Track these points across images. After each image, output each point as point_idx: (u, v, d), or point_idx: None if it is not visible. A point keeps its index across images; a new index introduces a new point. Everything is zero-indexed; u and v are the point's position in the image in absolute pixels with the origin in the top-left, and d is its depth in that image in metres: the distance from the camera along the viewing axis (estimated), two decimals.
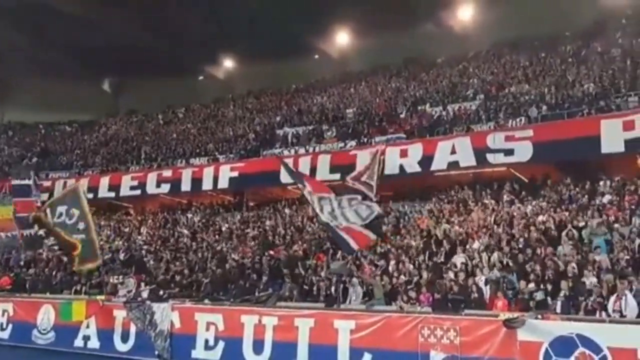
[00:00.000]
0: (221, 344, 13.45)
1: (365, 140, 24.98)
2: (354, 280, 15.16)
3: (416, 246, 17.28)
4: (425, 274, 15.29)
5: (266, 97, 36.97)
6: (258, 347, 12.97)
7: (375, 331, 11.81)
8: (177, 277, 18.60)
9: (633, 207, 15.84)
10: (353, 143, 25.01)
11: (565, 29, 28.04)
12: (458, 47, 30.82)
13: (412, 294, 14.32)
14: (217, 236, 23.01)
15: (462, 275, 14.70)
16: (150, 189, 27.88)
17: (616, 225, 15.10)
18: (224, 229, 23.85)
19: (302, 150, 26.28)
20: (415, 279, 15.22)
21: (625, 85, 20.88)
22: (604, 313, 11.61)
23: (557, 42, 27.90)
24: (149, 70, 37.76)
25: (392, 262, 16.38)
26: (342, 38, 33.76)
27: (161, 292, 16.45)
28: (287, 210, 24.15)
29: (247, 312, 13.68)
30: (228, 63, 39.50)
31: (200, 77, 42.54)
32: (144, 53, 34.72)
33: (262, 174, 24.94)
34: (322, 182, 15.82)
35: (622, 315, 11.20)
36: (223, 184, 26.22)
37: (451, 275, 14.95)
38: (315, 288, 15.84)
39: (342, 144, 25.44)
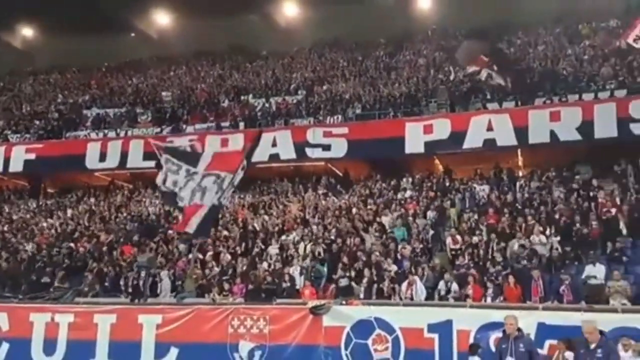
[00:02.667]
0: (5, 346, 12.06)
1: (184, 127, 24.12)
2: (163, 273, 14.54)
3: (233, 237, 17.16)
4: (240, 265, 15.29)
5: (73, 73, 33.54)
6: (49, 347, 11.83)
7: (184, 325, 11.45)
8: None
9: (429, 202, 17.57)
10: (170, 129, 23.97)
11: (380, 35, 30.22)
12: (282, 41, 31.25)
13: (226, 286, 14.21)
14: (6, 226, 20.32)
15: (276, 266, 14.99)
16: None
17: (414, 218, 16.58)
18: (15, 217, 21.15)
19: (112, 134, 24.42)
20: (230, 270, 15.14)
21: (427, 93, 23.14)
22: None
23: (373, 47, 29.91)
24: None
25: (209, 254, 16.06)
26: (162, 18, 31.99)
27: None
28: (92, 199, 22.24)
29: (37, 309, 12.45)
30: (27, 31, 34.82)
31: None
32: None
33: (65, 158, 22.67)
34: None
35: (411, 299, 12.32)
36: (16, 167, 23.25)
37: (265, 265, 15.16)
38: (122, 282, 14.87)
39: (157, 129, 24.21)
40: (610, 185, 16.44)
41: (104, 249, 17.18)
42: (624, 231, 14.14)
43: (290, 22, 31.17)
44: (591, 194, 15.86)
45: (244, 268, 15.19)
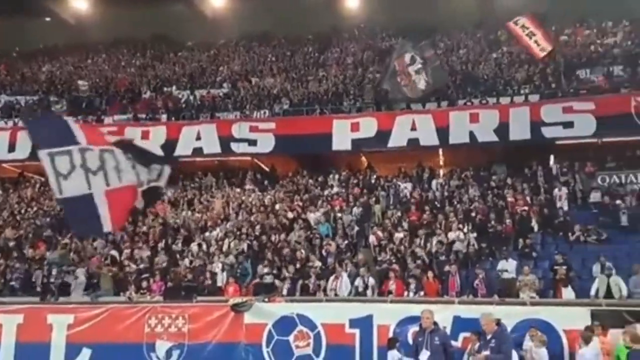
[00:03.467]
0: None
1: (102, 117, 23.05)
2: (78, 270, 13.83)
3: (153, 233, 16.61)
4: (160, 262, 14.83)
5: None
6: None
7: (97, 324, 11.00)
8: None
9: (354, 198, 17.79)
10: (88, 119, 22.82)
11: (308, 31, 30.19)
12: (208, 33, 30.44)
13: (144, 283, 13.73)
14: None
15: (197, 263, 14.66)
16: None
17: (340, 215, 16.75)
18: None
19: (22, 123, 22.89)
20: (149, 267, 14.64)
21: (354, 91, 23.41)
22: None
23: (301, 43, 29.92)
24: None
25: (126, 251, 15.45)
26: (80, 3, 30.27)
27: None
28: None
29: None
30: None
31: None
32: None
33: None
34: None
35: (336, 294, 12.44)
36: None
37: (186, 262, 14.78)
38: (31, 281, 14.02)
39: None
40: (523, 184, 17.35)
41: (11, 244, 16.10)
42: (535, 228, 15.02)
43: (217, 14, 30.47)
44: (506, 192, 16.67)
45: (164, 265, 14.74)
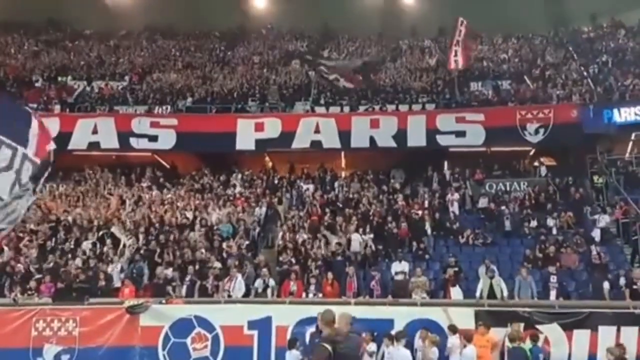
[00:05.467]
0: None
1: None
2: None
3: (42, 231, 15.65)
4: (48, 262, 14.02)
5: None
6: None
7: None
8: None
9: (257, 199, 17.84)
10: None
11: (214, 27, 29.79)
12: (109, 22, 29.10)
13: (32, 284, 12.93)
14: None
15: (91, 263, 14.03)
16: None
17: (242, 215, 16.71)
18: None
19: None
20: (37, 267, 13.79)
21: (259, 91, 23.44)
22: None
23: (207, 39, 29.43)
24: None
25: (7, 250, 14.42)
26: None
27: None
28: None
29: None
30: None
31: None
32: None
33: None
34: None
35: (229, 296, 12.43)
36: None
37: (78, 262, 14.09)
38: None
39: None
40: (418, 189, 18.35)
41: None
42: (429, 231, 15.89)
43: (120, 3, 29.17)
44: (402, 196, 17.47)
45: (53, 265, 13.95)
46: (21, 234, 15.30)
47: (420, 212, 16.41)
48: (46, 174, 9.11)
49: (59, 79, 24.18)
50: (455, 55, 21.34)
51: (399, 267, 13.46)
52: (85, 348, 10.31)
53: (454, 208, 17.12)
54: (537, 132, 18.79)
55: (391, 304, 10.88)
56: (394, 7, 28.65)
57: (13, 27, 29.07)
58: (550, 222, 15.83)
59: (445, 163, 19.99)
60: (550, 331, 9.91)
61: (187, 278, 13.45)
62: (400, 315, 9.86)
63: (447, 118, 19.35)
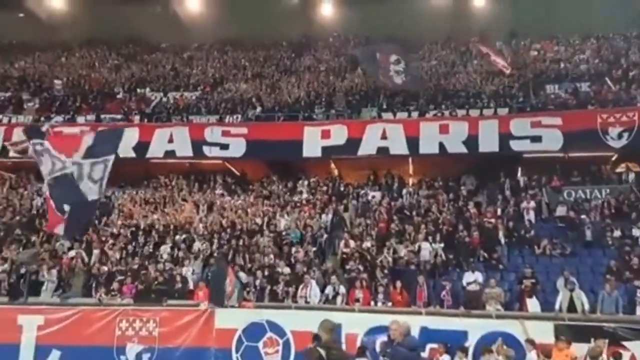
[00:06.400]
0: None
1: (75, 116, 22.77)
2: (49, 271, 13.65)
3: (124, 235, 16.49)
4: (130, 265, 14.74)
5: None
6: None
7: (67, 326, 11.09)
8: None
9: (324, 205, 17.96)
10: (59, 118, 22.52)
11: (281, 37, 30.33)
12: (182, 36, 30.36)
13: (115, 285, 13.64)
14: None
15: (168, 266, 14.61)
16: None
17: (309, 221, 16.85)
18: None
19: None
20: (120, 269, 14.54)
21: (326, 98, 23.67)
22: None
23: (274, 49, 30.05)
24: None
25: (95, 252, 15.29)
26: (54, 1, 29.80)
27: None
28: None
29: None
30: None
31: None
32: None
33: None
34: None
35: (306, 302, 12.57)
36: None
37: (158, 265, 14.71)
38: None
39: (44, 118, 22.66)
40: (491, 196, 17.80)
41: None
42: (502, 240, 15.32)
43: (192, 17, 30.34)
44: (473, 204, 17.02)
45: (134, 267, 14.65)
46: (105, 238, 16.18)
47: (493, 220, 15.89)
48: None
49: (138, 90, 25.45)
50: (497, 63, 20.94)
51: (472, 277, 13.02)
52: (164, 348, 10.77)
53: (530, 216, 16.44)
54: (620, 136, 17.81)
55: (464, 316, 10.62)
56: (464, 9, 28.06)
57: (97, 43, 30.98)
58: (635, 232, 14.85)
59: (519, 169, 19.32)
60: (637, 348, 9.34)
61: (257, 282, 13.76)
62: (474, 327, 9.62)
63: (521, 122, 18.70)
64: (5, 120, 22.57)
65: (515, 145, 18.50)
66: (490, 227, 15.67)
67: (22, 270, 13.61)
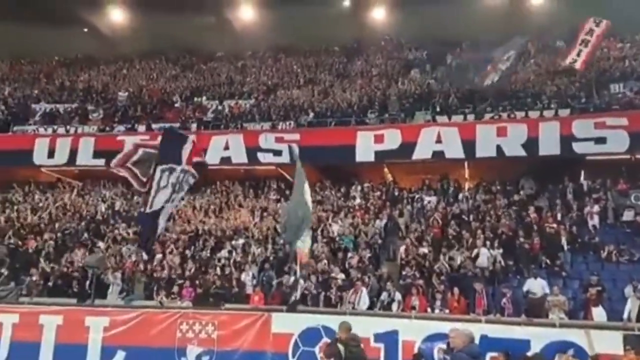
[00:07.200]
0: None
1: (136, 125, 23.68)
2: (116, 274, 14.24)
3: (182, 240, 16.95)
4: (189, 269, 15.13)
5: (22, 65, 32.45)
6: None
7: (131, 328, 11.42)
8: None
9: (377, 211, 17.86)
10: (122, 128, 23.48)
11: (333, 42, 30.50)
12: (237, 44, 31.01)
13: (175, 289, 14.05)
14: None
15: (226, 270, 14.91)
16: None
17: (364, 227, 16.79)
18: None
19: (61, 130, 23.73)
20: (179, 273, 14.95)
21: (379, 102, 23.56)
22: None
23: (326, 55, 30.22)
24: None
25: (157, 256, 15.81)
26: (116, 15, 31.18)
27: None
28: (37, 195, 21.46)
29: None
30: None
31: None
32: None
33: (12, 152, 21.86)
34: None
35: (354, 308, 12.49)
36: None
37: (215, 269, 15.04)
38: (69, 283, 14.50)
39: (108, 127, 23.74)
40: (552, 200, 17.14)
41: (51, 247, 16.63)
42: (565, 246, 14.74)
43: (245, 25, 30.93)
44: (534, 208, 16.44)
45: (193, 271, 15.04)
46: (166, 242, 16.70)
47: (555, 226, 15.31)
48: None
49: (195, 99, 26.16)
50: (578, 54, 19.81)
51: (534, 285, 12.57)
52: (222, 351, 10.96)
53: (594, 221, 15.75)
54: None
55: (526, 324, 10.28)
56: (521, 7, 27.30)
57: (155, 55, 32.10)
58: None
59: (582, 172, 18.58)
60: None
61: (313, 287, 13.81)
62: (537, 336, 9.29)
63: (584, 123, 17.91)
64: (72, 130, 23.70)
65: (578, 148, 17.73)
66: (552, 232, 15.12)
67: (90, 274, 14.25)
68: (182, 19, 29.13)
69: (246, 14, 30.56)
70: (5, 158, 21.93)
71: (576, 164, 18.36)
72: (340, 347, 7.21)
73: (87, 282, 14.13)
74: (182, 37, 30.70)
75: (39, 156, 21.62)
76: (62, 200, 20.25)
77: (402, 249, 15.27)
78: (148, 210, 10.60)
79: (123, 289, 14.23)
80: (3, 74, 31.65)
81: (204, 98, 26.20)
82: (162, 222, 11.07)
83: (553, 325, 10.34)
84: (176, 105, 25.83)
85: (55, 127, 24.19)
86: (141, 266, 15.18)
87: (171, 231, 17.52)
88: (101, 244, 16.50)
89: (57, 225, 18.40)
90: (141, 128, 23.33)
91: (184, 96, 26.56)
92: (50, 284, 14.73)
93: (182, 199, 11.48)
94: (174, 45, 31.54)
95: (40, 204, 20.40)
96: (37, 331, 11.56)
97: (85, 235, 17.25)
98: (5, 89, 29.10)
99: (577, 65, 20.01)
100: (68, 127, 24.10)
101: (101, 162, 20.01)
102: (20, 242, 16.89)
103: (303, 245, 12.02)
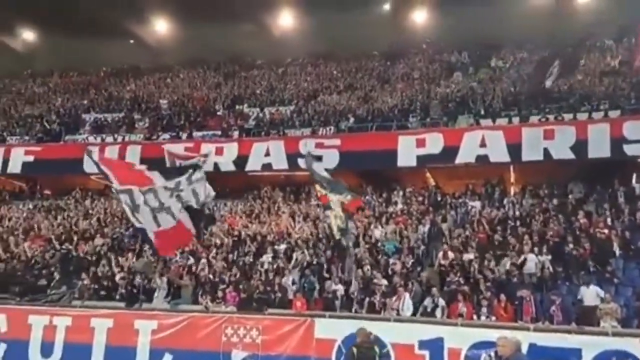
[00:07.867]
0: (2, 347, 12.25)
1: (180, 133, 24.21)
2: (163, 278, 14.56)
3: (226, 245, 17.18)
4: (233, 274, 15.30)
5: (72, 77, 33.76)
6: (47, 349, 12.03)
7: (178, 331, 11.66)
8: None
9: (420, 216, 17.65)
10: (166, 136, 24.05)
11: (373, 46, 30.45)
12: (276, 51, 31.44)
13: (219, 293, 14.22)
14: (2, 227, 20.24)
15: (269, 275, 15.00)
16: None
17: (406, 232, 16.61)
18: (11, 218, 21.06)
19: (109, 139, 24.50)
20: (223, 278, 15.14)
21: (420, 106, 23.34)
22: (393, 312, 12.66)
23: (366, 59, 30.17)
24: None
25: (202, 261, 16.06)
26: (160, 26, 32.07)
27: None
28: (87, 202, 22.20)
29: (36, 312, 12.62)
30: (28, 34, 34.62)
31: None
32: None
33: (63, 161, 22.64)
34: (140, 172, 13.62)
35: (398, 314, 12.34)
36: (14, 168, 23.31)
37: (258, 275, 15.16)
38: (118, 287, 14.89)
39: (154, 136, 24.35)
40: (603, 205, 16.53)
41: (102, 252, 17.15)
42: (617, 252, 14.14)
43: (285, 33, 31.23)
44: (584, 213, 15.92)
45: (236, 277, 15.21)
46: (209, 247, 16.95)
47: (606, 231, 14.75)
48: None
49: (237, 107, 26.56)
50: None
51: (585, 292, 12.12)
52: (266, 356, 11.06)
53: None
54: None
55: (577, 332, 9.95)
56: (567, 6, 26.60)
57: (198, 63, 32.84)
58: None
59: (634, 175, 17.89)
60: None
61: (355, 294, 13.74)
62: (589, 345, 8.99)
63: (636, 125, 17.29)
64: (119, 139, 24.42)
65: (629, 150, 17.15)
66: (602, 237, 14.56)
67: (137, 278, 14.63)
68: (222, 28, 29.64)
69: (285, 21, 30.85)
70: (57, 166, 22.83)
71: (627, 167, 17.72)
72: (354, 349, 8.31)
73: (135, 287, 14.47)
74: (223, 46, 31.28)
75: (90, 164, 22.35)
76: (111, 207, 20.84)
77: (441, 254, 14.97)
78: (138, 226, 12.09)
79: (169, 292, 14.50)
80: (55, 85, 33.01)
81: (245, 105, 26.58)
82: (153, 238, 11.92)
83: (606, 334, 9.99)
84: (218, 113, 26.26)
85: (104, 136, 25.02)
86: (186, 270, 15.43)
87: (215, 236, 17.76)
88: (147, 248, 16.87)
89: (106, 230, 18.95)
90: (184, 136, 23.82)
91: (225, 104, 26.99)
92: (99, 287, 15.14)
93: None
94: (216, 53, 32.16)
95: (91, 211, 21.09)
96: (88, 333, 11.95)
97: (131, 240, 17.69)
98: (57, 100, 30.33)
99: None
100: (116, 135, 24.87)
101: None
102: (71, 247, 17.45)
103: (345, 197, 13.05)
